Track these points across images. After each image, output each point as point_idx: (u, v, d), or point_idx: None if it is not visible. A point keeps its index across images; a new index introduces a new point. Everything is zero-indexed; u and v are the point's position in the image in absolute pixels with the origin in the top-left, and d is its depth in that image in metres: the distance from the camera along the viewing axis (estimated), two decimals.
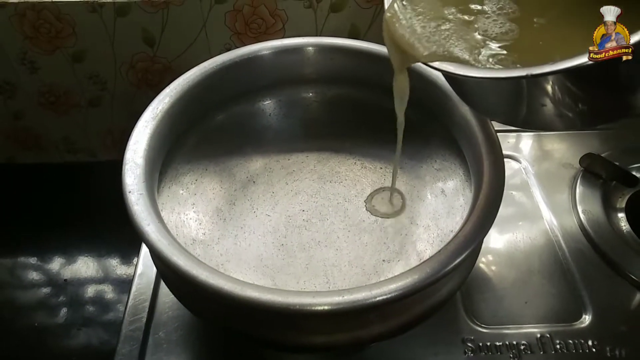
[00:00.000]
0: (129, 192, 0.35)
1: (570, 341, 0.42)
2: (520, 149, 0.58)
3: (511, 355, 0.41)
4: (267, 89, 0.49)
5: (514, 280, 0.46)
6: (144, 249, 0.48)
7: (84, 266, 0.58)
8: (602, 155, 0.54)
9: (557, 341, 0.42)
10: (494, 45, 0.31)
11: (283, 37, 0.56)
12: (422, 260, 0.36)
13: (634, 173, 0.53)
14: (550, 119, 0.32)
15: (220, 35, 0.55)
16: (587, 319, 0.43)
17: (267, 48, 0.46)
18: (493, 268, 0.47)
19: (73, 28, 0.54)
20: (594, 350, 0.41)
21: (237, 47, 0.46)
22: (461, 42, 0.32)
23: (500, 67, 0.30)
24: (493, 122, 0.40)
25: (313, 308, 0.30)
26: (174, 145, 0.44)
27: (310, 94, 0.50)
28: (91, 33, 0.54)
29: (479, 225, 0.34)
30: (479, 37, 0.32)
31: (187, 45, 0.56)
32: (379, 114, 0.40)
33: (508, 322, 0.43)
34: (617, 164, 0.53)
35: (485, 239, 0.36)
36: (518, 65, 0.30)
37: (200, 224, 0.43)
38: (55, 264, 0.59)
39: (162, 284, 0.45)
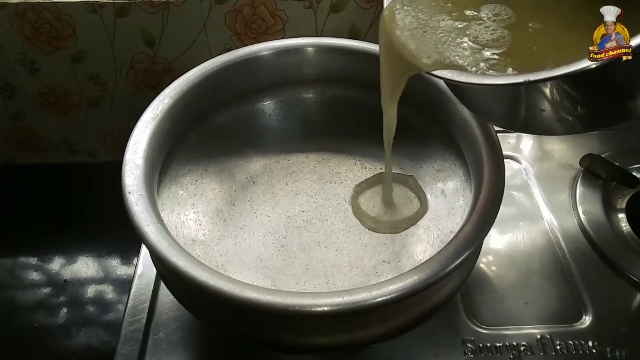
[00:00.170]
0: (129, 192, 0.35)
1: (571, 342, 0.42)
2: (521, 149, 0.58)
3: (511, 356, 0.41)
4: (267, 90, 0.49)
5: (514, 280, 0.46)
6: (144, 250, 0.48)
7: (84, 266, 0.58)
8: (603, 155, 0.54)
9: (557, 342, 0.42)
10: (489, 52, 0.31)
11: (283, 37, 0.56)
12: (422, 261, 0.36)
13: (634, 174, 0.53)
14: (551, 123, 0.32)
15: (220, 35, 0.55)
16: (587, 319, 0.43)
17: (267, 48, 0.46)
18: (493, 268, 0.47)
19: (73, 29, 0.54)
20: (594, 351, 0.41)
21: (237, 48, 0.46)
22: (458, 49, 0.32)
23: (497, 73, 0.30)
24: None
25: (313, 309, 0.30)
26: (174, 145, 0.44)
27: (310, 95, 0.50)
28: (91, 34, 0.54)
29: (479, 226, 0.34)
30: (471, 43, 0.32)
31: (187, 46, 0.56)
32: (379, 114, 0.40)
33: (508, 323, 0.43)
34: (617, 164, 0.53)
35: (485, 240, 0.36)
36: (515, 72, 0.30)
37: (200, 224, 0.43)
38: (55, 264, 0.58)
39: (162, 285, 0.45)
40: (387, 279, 0.32)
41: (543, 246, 0.49)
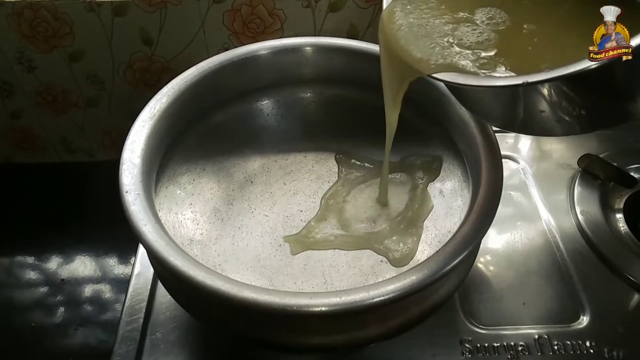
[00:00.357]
0: (126, 192, 0.35)
1: (568, 342, 0.42)
2: (519, 149, 0.58)
3: (509, 357, 0.41)
4: (265, 89, 0.48)
5: (512, 281, 0.46)
6: (142, 249, 0.48)
7: (82, 266, 0.58)
8: (601, 155, 0.54)
9: (555, 342, 0.42)
10: (488, 53, 0.31)
11: (281, 37, 0.56)
12: (420, 261, 0.36)
13: (632, 174, 0.53)
14: (550, 124, 0.32)
15: (218, 35, 0.55)
16: (585, 320, 0.43)
17: (265, 48, 0.46)
18: (491, 268, 0.47)
19: (70, 27, 0.53)
20: (591, 351, 0.41)
21: (235, 47, 0.46)
22: (458, 50, 0.32)
23: (496, 75, 0.30)
24: None
25: (310, 309, 0.30)
26: (172, 145, 0.43)
27: (309, 94, 0.50)
28: (89, 32, 0.54)
29: (477, 227, 0.34)
30: (471, 45, 0.32)
31: (185, 45, 0.56)
32: (377, 114, 0.40)
33: (506, 323, 0.43)
34: (615, 164, 0.53)
35: (483, 239, 0.36)
36: (514, 73, 0.30)
37: (197, 224, 0.43)
38: (53, 264, 0.58)
39: (160, 284, 0.45)
40: (385, 279, 0.32)
41: (541, 246, 0.49)
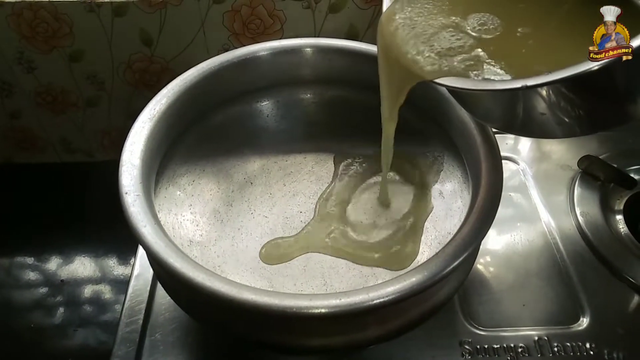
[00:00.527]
0: (126, 193, 0.35)
1: (568, 344, 0.42)
2: (519, 150, 0.58)
3: (509, 358, 0.41)
4: (265, 90, 0.48)
5: (512, 282, 0.46)
6: (141, 250, 0.48)
7: (81, 266, 0.58)
8: (601, 157, 0.54)
9: (555, 344, 0.42)
10: (482, 57, 0.31)
11: (281, 37, 0.56)
12: (419, 263, 0.36)
13: (632, 175, 0.53)
14: (549, 127, 0.32)
15: (218, 35, 0.55)
16: (584, 321, 0.43)
17: (265, 49, 0.46)
18: (491, 270, 0.47)
19: (70, 28, 0.53)
20: (591, 353, 0.41)
21: (235, 48, 0.46)
22: (457, 54, 0.32)
23: (496, 78, 0.30)
24: None
25: (310, 311, 0.30)
26: (171, 146, 0.43)
27: (309, 95, 0.50)
28: (88, 33, 0.54)
29: (477, 228, 0.34)
30: (470, 47, 0.32)
31: (184, 46, 0.56)
32: (377, 115, 0.40)
33: (506, 325, 0.43)
34: (615, 165, 0.53)
35: (483, 241, 0.36)
36: (510, 76, 0.30)
37: (197, 225, 0.43)
38: (52, 264, 0.58)
39: (159, 286, 0.44)
40: (384, 280, 0.32)
41: (541, 247, 0.49)
